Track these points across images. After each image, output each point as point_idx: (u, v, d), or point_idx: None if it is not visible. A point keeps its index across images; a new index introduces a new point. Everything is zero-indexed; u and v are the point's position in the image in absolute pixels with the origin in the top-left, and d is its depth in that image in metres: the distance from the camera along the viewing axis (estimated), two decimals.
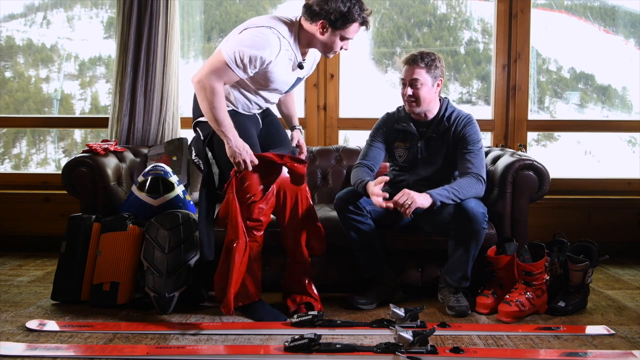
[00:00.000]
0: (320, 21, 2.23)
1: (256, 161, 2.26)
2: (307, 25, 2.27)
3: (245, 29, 2.24)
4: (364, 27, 2.30)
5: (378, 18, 4.41)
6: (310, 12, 2.24)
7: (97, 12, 4.47)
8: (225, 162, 2.33)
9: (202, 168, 2.42)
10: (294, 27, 2.29)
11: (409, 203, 2.33)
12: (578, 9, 4.37)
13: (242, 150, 2.23)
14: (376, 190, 2.40)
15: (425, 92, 2.54)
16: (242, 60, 2.16)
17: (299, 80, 2.47)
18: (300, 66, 2.37)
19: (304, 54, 2.38)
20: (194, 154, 2.44)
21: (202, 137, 2.39)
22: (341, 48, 2.33)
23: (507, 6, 3.69)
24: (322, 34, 2.26)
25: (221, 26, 4.32)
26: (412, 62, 2.53)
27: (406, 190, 2.37)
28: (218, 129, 2.22)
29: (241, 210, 2.28)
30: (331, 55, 2.39)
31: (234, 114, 2.34)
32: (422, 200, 2.36)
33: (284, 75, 2.33)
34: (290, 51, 2.29)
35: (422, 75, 2.52)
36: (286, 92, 2.50)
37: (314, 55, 2.49)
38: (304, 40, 2.31)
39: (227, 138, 2.22)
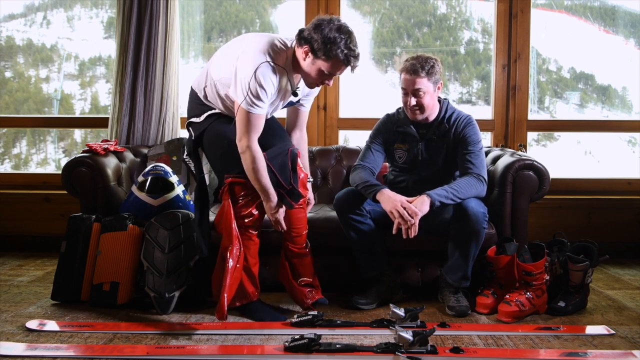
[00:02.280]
0: (305, 46, 2.21)
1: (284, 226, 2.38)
2: (297, 50, 2.26)
3: (240, 59, 2.20)
4: (348, 68, 2.24)
5: (378, 18, 4.41)
6: (300, 36, 2.22)
7: (97, 12, 4.47)
8: (214, 160, 2.38)
9: (193, 168, 2.45)
10: (289, 54, 2.27)
11: (412, 221, 2.34)
12: (578, 9, 4.37)
13: (277, 213, 2.32)
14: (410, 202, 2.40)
15: (428, 100, 2.54)
16: (257, 98, 2.17)
17: (290, 103, 2.46)
18: (295, 94, 2.36)
19: (297, 78, 2.37)
20: (185, 153, 2.46)
21: (193, 137, 2.40)
22: (322, 82, 2.29)
23: (507, 6, 3.69)
24: (304, 59, 2.23)
25: (221, 26, 4.32)
26: (413, 72, 2.49)
27: (400, 212, 2.36)
28: (258, 187, 2.27)
29: (235, 211, 2.29)
30: (313, 87, 2.36)
31: (228, 119, 2.36)
32: (422, 208, 2.36)
33: (273, 104, 2.34)
34: (284, 79, 2.28)
35: (424, 84, 2.50)
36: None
37: None
38: (295, 66, 2.30)
39: (267, 199, 2.28)
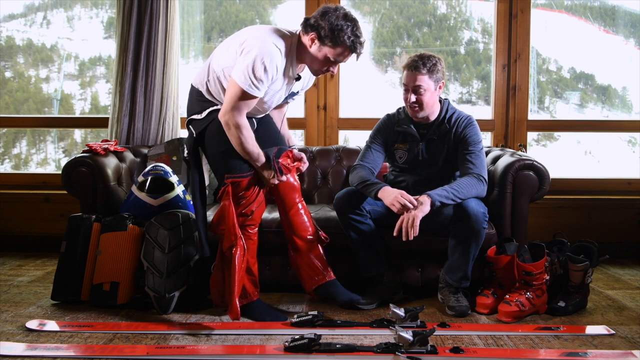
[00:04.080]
0: (312, 33, 2.23)
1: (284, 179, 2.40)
2: (303, 38, 2.28)
3: (245, 42, 2.22)
4: (354, 55, 2.28)
5: (378, 18, 4.41)
6: (306, 24, 2.25)
7: (97, 12, 4.48)
8: (215, 158, 2.38)
9: (191, 166, 2.45)
10: (293, 41, 2.29)
11: (411, 222, 2.33)
12: (578, 9, 4.37)
13: (270, 174, 2.35)
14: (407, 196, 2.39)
15: (428, 98, 2.54)
16: (257, 79, 2.17)
17: (292, 94, 2.48)
18: (298, 78, 2.38)
19: (300, 68, 2.38)
20: (185, 151, 2.46)
21: (194, 135, 2.40)
22: (327, 70, 2.32)
23: (507, 6, 3.69)
24: (310, 46, 2.26)
25: (221, 26, 4.32)
26: (414, 68, 2.51)
27: (400, 201, 2.37)
28: (250, 159, 2.29)
29: (235, 211, 2.29)
30: (317, 74, 2.39)
31: None
32: (423, 208, 2.36)
33: (279, 91, 2.35)
34: (288, 66, 2.29)
35: (424, 81, 2.51)
36: (280, 104, 2.55)
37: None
38: (299, 54, 2.32)
39: (255, 164, 2.31)
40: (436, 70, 2.52)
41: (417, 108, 2.56)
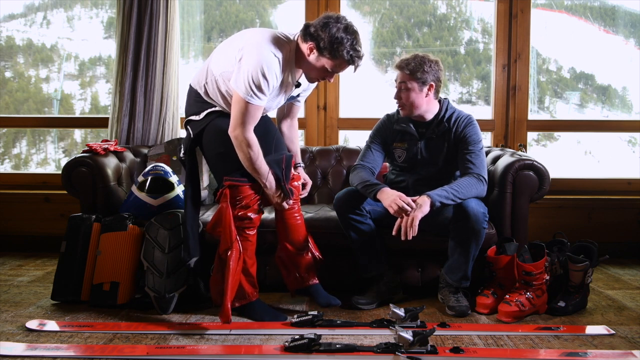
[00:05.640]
0: (311, 43, 2.22)
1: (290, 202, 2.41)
2: (302, 45, 2.26)
3: (243, 49, 2.21)
4: (351, 67, 2.27)
5: (378, 18, 4.41)
6: (306, 32, 2.24)
7: (97, 12, 4.48)
8: (213, 160, 2.38)
9: (186, 167, 2.46)
10: (292, 47, 2.28)
11: (410, 222, 2.33)
12: (578, 9, 4.37)
13: (276, 194, 2.34)
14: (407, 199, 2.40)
15: (412, 97, 2.55)
16: (259, 89, 2.17)
17: (292, 98, 2.47)
18: (298, 85, 2.38)
19: (299, 73, 2.38)
20: (182, 152, 2.46)
21: (192, 135, 2.39)
22: (323, 78, 2.32)
23: (507, 6, 3.69)
24: (308, 55, 2.25)
25: (221, 26, 4.32)
26: (399, 67, 2.56)
27: (399, 204, 2.37)
28: (256, 176, 2.28)
29: (233, 214, 2.29)
30: (313, 82, 2.39)
31: (229, 117, 2.35)
32: (422, 209, 2.36)
33: (277, 97, 2.35)
34: (287, 72, 2.29)
35: (406, 80, 2.54)
36: (292, 118, 2.61)
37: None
38: (297, 60, 2.31)
39: (263, 183, 2.29)
40: (422, 71, 2.52)
41: (399, 104, 2.60)
